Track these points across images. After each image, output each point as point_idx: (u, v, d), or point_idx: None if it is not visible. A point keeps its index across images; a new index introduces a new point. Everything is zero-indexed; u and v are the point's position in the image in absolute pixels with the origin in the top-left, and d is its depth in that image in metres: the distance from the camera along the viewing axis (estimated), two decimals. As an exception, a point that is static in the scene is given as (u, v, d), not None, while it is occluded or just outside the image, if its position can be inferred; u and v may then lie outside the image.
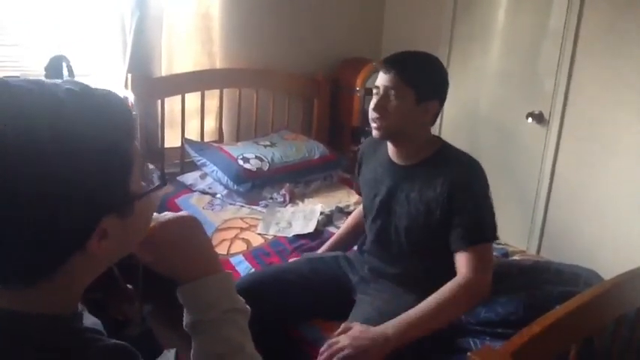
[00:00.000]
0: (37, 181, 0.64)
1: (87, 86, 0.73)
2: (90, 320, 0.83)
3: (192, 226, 0.92)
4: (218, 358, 0.87)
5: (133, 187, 0.76)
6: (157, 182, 0.83)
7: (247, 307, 0.93)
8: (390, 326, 1.57)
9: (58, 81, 0.72)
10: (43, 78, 0.73)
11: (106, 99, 0.74)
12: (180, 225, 0.91)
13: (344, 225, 2.28)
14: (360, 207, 2.19)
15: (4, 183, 0.64)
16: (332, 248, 2.17)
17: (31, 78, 0.71)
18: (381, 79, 1.76)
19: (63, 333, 0.73)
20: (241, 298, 0.93)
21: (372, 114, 1.78)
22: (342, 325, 1.64)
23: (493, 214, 1.74)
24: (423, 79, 1.76)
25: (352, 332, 1.58)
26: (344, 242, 2.20)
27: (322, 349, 1.58)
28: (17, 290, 0.72)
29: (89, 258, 0.73)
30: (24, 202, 0.65)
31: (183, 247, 0.90)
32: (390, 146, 1.86)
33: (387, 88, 1.74)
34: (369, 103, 1.83)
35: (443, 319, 1.63)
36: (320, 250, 2.20)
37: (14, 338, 0.70)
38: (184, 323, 0.90)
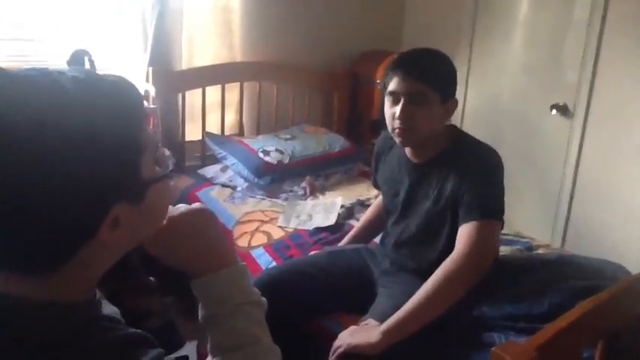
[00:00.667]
0: (45, 170, 0.64)
1: (93, 73, 0.73)
2: (109, 309, 0.82)
3: (205, 219, 0.91)
4: (232, 350, 0.86)
5: (145, 174, 0.75)
6: (170, 167, 0.82)
7: (263, 299, 0.92)
8: (385, 322, 1.57)
9: (64, 69, 0.72)
10: (47, 67, 0.72)
11: (115, 85, 0.73)
12: (192, 218, 0.90)
13: (363, 217, 2.26)
14: (379, 199, 2.18)
15: (14, 172, 0.64)
16: (352, 241, 2.16)
17: (36, 67, 0.70)
18: (401, 84, 1.67)
19: (77, 321, 0.73)
20: (257, 290, 0.92)
21: (396, 123, 1.70)
22: (362, 322, 1.64)
23: (501, 197, 1.69)
24: (446, 80, 1.72)
25: (353, 329, 1.60)
26: (364, 235, 2.18)
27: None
28: (30, 278, 0.71)
29: (102, 246, 0.72)
30: (34, 191, 0.64)
31: (195, 241, 0.88)
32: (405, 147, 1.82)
33: (410, 94, 1.67)
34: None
35: (439, 307, 1.58)
36: (341, 244, 2.19)
37: (26, 327, 0.69)
38: (199, 316, 0.90)
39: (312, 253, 2.17)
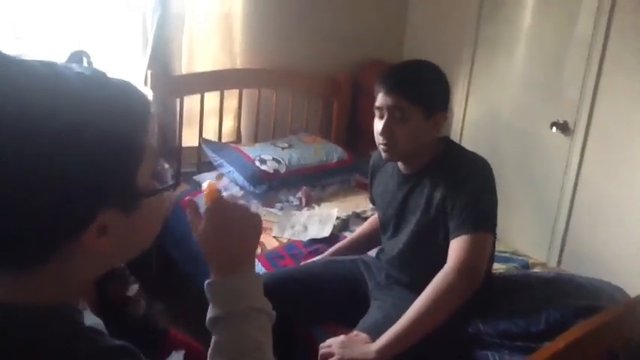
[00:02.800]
0: (29, 163, 0.62)
1: (101, 73, 0.71)
2: (92, 319, 0.80)
3: (257, 225, 0.95)
4: (238, 354, 0.86)
5: (141, 183, 0.72)
6: (170, 182, 0.80)
7: (273, 312, 0.93)
8: (379, 339, 1.55)
9: (72, 65, 0.70)
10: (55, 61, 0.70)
11: (121, 89, 0.71)
12: (250, 217, 0.93)
13: (358, 230, 2.24)
14: (371, 219, 2.17)
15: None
16: (340, 252, 2.13)
17: (43, 59, 0.68)
18: (383, 99, 1.67)
19: (59, 326, 0.70)
20: (269, 302, 0.93)
21: (378, 139, 1.70)
22: (353, 332, 1.62)
23: (493, 208, 1.67)
24: (429, 94, 1.68)
25: (346, 339, 1.58)
26: (355, 248, 2.16)
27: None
28: (10, 278, 0.69)
29: (88, 252, 0.70)
30: (15, 181, 0.62)
31: (238, 238, 0.91)
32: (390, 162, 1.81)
33: (391, 109, 1.65)
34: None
35: (433, 322, 1.56)
36: (327, 252, 2.16)
37: (3, 330, 0.66)
38: (207, 319, 0.89)
39: (309, 260, 2.14)
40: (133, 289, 2.33)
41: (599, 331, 1.18)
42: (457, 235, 1.61)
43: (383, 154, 1.74)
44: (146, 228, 0.77)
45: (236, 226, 0.91)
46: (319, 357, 1.57)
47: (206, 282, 0.90)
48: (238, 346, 0.86)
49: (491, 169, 1.70)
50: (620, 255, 2.65)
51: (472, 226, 1.60)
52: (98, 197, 0.67)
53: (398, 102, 1.64)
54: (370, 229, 2.16)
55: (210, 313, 0.88)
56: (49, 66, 0.67)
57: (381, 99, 1.68)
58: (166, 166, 0.81)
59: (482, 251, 1.62)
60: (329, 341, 1.59)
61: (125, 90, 0.72)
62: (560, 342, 1.11)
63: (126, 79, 0.73)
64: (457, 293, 1.57)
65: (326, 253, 2.17)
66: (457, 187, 1.65)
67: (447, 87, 1.74)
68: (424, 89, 1.68)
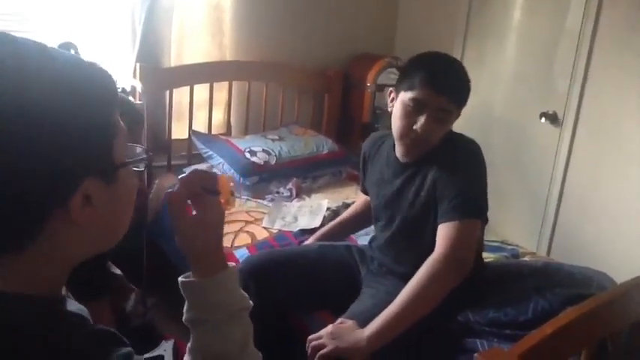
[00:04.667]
0: (9, 134, 0.64)
1: (75, 56, 0.75)
2: (75, 306, 0.80)
3: (223, 215, 0.94)
4: (221, 356, 0.86)
5: (117, 157, 0.74)
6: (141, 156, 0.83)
7: (250, 302, 0.93)
8: (369, 327, 1.55)
9: (53, 48, 0.73)
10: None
11: (94, 70, 0.74)
12: (221, 211, 0.93)
13: (346, 212, 2.24)
14: (361, 199, 2.18)
15: None
16: (328, 234, 2.14)
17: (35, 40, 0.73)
18: (433, 99, 1.64)
19: (46, 314, 0.70)
20: (245, 294, 0.93)
21: (413, 134, 1.67)
22: (338, 320, 1.61)
23: (484, 194, 1.68)
24: (468, 96, 1.71)
25: (335, 329, 1.57)
26: (343, 229, 2.18)
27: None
28: None
29: (73, 227, 0.70)
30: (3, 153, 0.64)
31: (215, 235, 0.92)
32: (398, 146, 1.78)
33: (437, 110, 1.65)
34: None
35: (423, 308, 1.56)
36: (315, 235, 2.16)
37: None
38: (185, 317, 0.89)
39: (302, 244, 2.14)
40: (132, 298, 2.34)
41: (587, 318, 1.17)
42: (445, 221, 1.61)
43: (405, 148, 1.73)
44: (124, 200, 0.78)
45: (220, 223, 0.92)
46: (309, 349, 1.56)
47: (185, 280, 0.89)
48: (224, 347, 0.87)
49: (481, 153, 1.71)
50: (608, 244, 2.67)
51: (461, 213, 1.60)
52: (82, 165, 0.69)
53: (448, 105, 1.65)
54: (357, 212, 2.17)
55: (188, 313, 0.89)
56: (35, 42, 0.72)
57: (427, 96, 1.64)
58: (137, 147, 0.84)
59: (470, 238, 1.63)
60: (317, 334, 1.59)
61: (96, 71, 0.74)
62: (547, 328, 1.11)
63: (94, 62, 0.76)
64: (446, 280, 1.57)
65: (314, 236, 2.17)
66: (448, 171, 1.65)
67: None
68: (467, 92, 1.70)
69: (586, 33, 2.67)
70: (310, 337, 1.59)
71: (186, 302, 0.90)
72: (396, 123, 1.72)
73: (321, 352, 1.53)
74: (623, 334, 1.34)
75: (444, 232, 1.61)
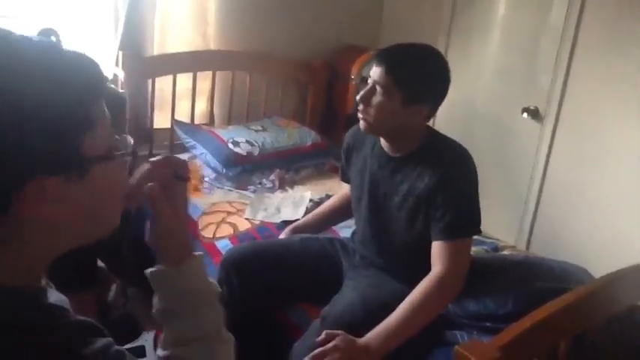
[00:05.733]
0: None
1: (55, 43, 0.72)
2: (55, 296, 0.79)
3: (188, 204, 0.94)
4: (196, 341, 0.86)
5: (90, 151, 0.71)
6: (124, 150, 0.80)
7: (218, 287, 0.93)
8: (372, 338, 1.56)
9: (31, 36, 0.71)
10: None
11: (71, 58, 0.71)
12: (187, 199, 0.93)
13: (324, 205, 2.24)
14: (339, 194, 2.19)
15: None
16: (306, 226, 2.15)
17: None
18: (372, 71, 1.69)
19: (25, 306, 0.69)
20: (212, 280, 0.92)
21: (358, 105, 1.72)
22: (324, 333, 1.56)
23: (478, 209, 1.70)
24: (414, 81, 1.65)
25: (339, 343, 1.52)
26: (321, 223, 2.18)
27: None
28: None
29: (38, 221, 0.69)
30: None
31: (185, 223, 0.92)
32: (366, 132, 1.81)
33: (375, 82, 1.67)
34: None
35: (422, 321, 1.61)
36: (290, 227, 2.16)
37: None
38: (156, 309, 0.88)
39: (282, 236, 2.14)
40: (112, 289, 2.33)
41: (565, 312, 1.19)
42: (442, 239, 1.65)
43: (361, 124, 1.74)
44: (103, 194, 0.75)
45: (186, 211, 0.93)
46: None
47: (156, 270, 0.88)
48: (199, 333, 0.87)
49: (474, 164, 1.72)
50: (587, 238, 2.70)
51: (459, 233, 1.66)
52: (28, 163, 0.66)
53: (381, 77, 1.65)
54: (334, 206, 2.18)
55: (159, 303, 0.88)
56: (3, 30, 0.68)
57: (372, 69, 1.69)
58: (127, 137, 0.82)
59: (466, 256, 1.70)
60: (322, 349, 1.53)
61: (76, 60, 0.71)
62: (526, 321, 1.12)
63: (81, 52, 0.73)
64: (446, 297, 1.65)
65: (288, 228, 2.16)
66: (445, 186, 1.66)
67: (438, 81, 1.71)
68: (409, 74, 1.65)
69: (569, 29, 2.69)
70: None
71: (155, 295, 0.89)
72: None
73: None
74: (600, 327, 1.36)
75: (441, 251, 1.65)
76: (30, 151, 0.65)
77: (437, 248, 1.66)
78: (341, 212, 2.15)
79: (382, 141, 1.80)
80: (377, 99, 1.66)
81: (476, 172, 1.72)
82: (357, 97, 1.71)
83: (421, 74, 1.67)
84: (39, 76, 0.66)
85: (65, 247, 0.75)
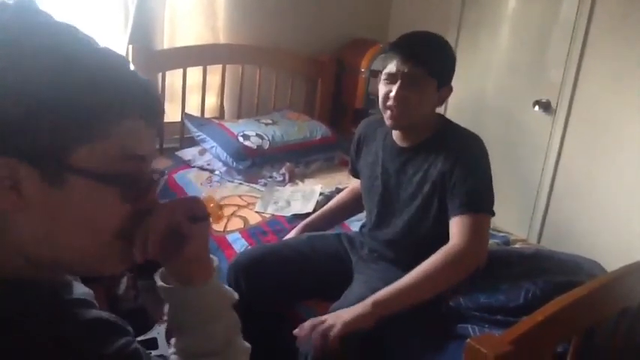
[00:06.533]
0: None
1: (104, 47, 0.70)
2: (81, 290, 0.77)
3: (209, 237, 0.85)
4: (207, 355, 0.83)
5: (79, 161, 0.65)
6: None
7: (235, 295, 0.89)
8: (374, 295, 1.56)
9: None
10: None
11: (120, 74, 0.69)
12: (209, 235, 0.84)
13: (334, 200, 2.23)
14: (347, 189, 2.19)
15: None
16: (315, 223, 2.14)
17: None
18: (401, 66, 1.66)
19: (41, 301, 0.68)
20: (229, 288, 0.89)
21: (390, 102, 1.69)
22: (332, 307, 1.61)
23: (492, 190, 1.70)
24: (444, 67, 1.72)
25: (337, 312, 1.56)
26: (331, 218, 2.17)
27: (305, 324, 1.55)
28: None
29: (27, 215, 0.66)
30: None
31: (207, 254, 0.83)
32: (386, 120, 1.77)
33: (407, 77, 1.65)
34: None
35: (431, 289, 1.60)
36: (301, 224, 2.15)
37: None
38: (170, 321, 0.86)
39: (290, 236, 2.14)
40: (123, 282, 2.34)
41: (577, 305, 1.19)
42: (460, 214, 1.64)
43: (389, 121, 1.72)
44: (73, 215, 0.68)
45: (207, 243, 0.83)
46: (316, 336, 1.51)
47: (170, 288, 0.81)
48: (211, 347, 0.83)
49: (485, 146, 1.73)
50: (599, 232, 2.69)
51: (476, 207, 1.64)
52: (9, 140, 0.63)
53: (417, 71, 1.65)
54: (342, 202, 2.17)
55: (174, 317, 0.84)
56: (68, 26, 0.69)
57: (396, 65, 1.67)
58: (156, 173, 0.75)
59: (484, 232, 1.68)
60: (318, 319, 1.56)
61: (112, 75, 0.68)
62: (538, 315, 1.11)
63: (132, 74, 0.70)
64: (458, 269, 1.62)
65: (297, 227, 2.15)
66: (459, 166, 1.66)
67: (454, 61, 1.78)
68: (441, 61, 1.71)
69: (581, 22, 2.67)
70: (310, 323, 1.55)
71: (168, 307, 0.84)
72: (379, 100, 1.75)
73: (333, 332, 1.51)
74: (610, 320, 1.36)
75: (459, 225, 1.64)
76: (10, 131, 0.62)
77: (454, 224, 1.65)
78: (351, 207, 2.15)
79: (395, 134, 1.80)
80: (415, 94, 1.67)
81: (487, 155, 1.72)
82: (392, 94, 1.67)
83: (445, 56, 1.74)
84: (71, 67, 0.64)
85: (61, 260, 0.70)
